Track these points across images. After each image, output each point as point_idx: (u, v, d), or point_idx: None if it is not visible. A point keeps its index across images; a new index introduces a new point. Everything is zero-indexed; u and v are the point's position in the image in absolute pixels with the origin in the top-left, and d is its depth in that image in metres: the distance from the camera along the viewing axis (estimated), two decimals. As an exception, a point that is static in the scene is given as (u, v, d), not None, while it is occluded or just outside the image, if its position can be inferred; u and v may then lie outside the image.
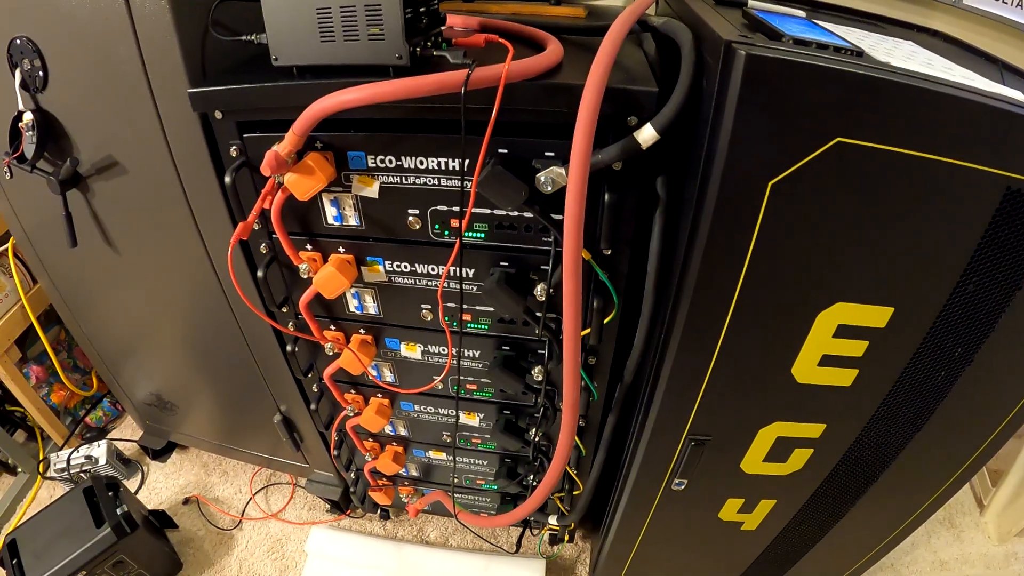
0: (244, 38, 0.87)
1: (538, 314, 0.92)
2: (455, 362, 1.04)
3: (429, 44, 0.81)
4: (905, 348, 0.86)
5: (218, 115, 0.89)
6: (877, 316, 0.82)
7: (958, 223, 0.73)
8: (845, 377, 0.90)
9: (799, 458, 1.04)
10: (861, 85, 0.64)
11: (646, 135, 0.74)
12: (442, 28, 0.85)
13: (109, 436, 1.81)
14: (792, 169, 0.69)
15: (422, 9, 0.80)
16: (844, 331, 0.84)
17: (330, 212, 0.93)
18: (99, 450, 1.66)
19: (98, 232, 1.23)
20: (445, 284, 0.96)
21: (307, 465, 1.55)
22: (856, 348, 0.86)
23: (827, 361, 0.88)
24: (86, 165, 1.09)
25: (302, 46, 0.81)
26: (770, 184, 0.70)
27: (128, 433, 1.79)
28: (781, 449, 1.02)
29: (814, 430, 0.99)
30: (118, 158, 1.08)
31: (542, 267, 0.91)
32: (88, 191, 1.14)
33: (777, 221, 0.72)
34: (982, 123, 0.66)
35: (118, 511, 1.43)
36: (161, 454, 1.75)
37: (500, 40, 0.82)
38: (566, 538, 1.47)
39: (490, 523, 1.22)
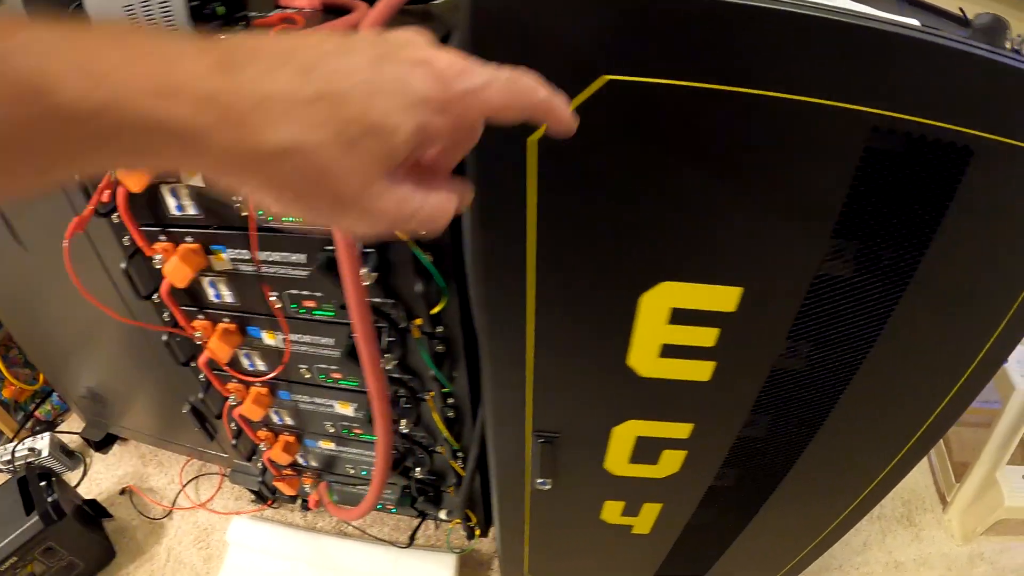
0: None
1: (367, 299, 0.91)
2: (299, 350, 1.03)
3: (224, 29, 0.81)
4: (771, 335, 0.73)
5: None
6: (721, 298, 0.69)
7: (811, 179, 0.58)
8: (700, 371, 0.78)
9: (673, 460, 0.94)
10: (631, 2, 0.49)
11: None
12: (247, 13, 0.84)
13: (57, 429, 1.85)
14: None
15: (217, -4, 0.79)
16: (682, 316, 0.71)
17: (171, 203, 0.93)
18: (42, 442, 1.69)
19: (8, 233, 1.25)
20: (285, 271, 0.96)
21: (227, 455, 1.56)
22: (704, 336, 0.74)
23: (671, 352, 0.76)
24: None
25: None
26: (529, 141, 0.57)
27: (76, 426, 1.83)
28: (647, 450, 0.92)
29: (680, 430, 0.88)
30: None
31: (367, 249, 0.90)
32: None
33: (556, 186, 0.60)
34: (831, 46, 0.50)
35: (49, 499, 1.46)
36: (103, 446, 1.78)
37: (296, 18, 0.81)
38: (477, 532, 1.45)
39: (344, 515, 1.20)
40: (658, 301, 0.70)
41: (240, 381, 1.16)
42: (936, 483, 1.88)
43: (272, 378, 1.06)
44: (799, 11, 0.49)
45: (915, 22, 0.53)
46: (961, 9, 0.70)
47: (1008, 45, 0.55)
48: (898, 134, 0.54)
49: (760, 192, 0.59)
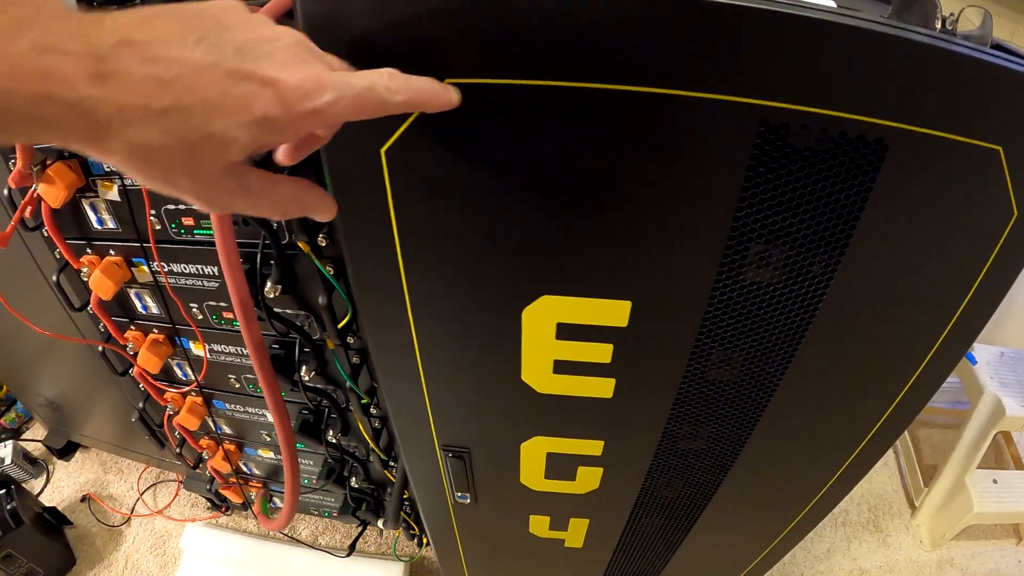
0: None
1: (276, 310, 0.91)
2: (225, 361, 1.04)
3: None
4: (672, 350, 0.68)
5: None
6: (610, 312, 0.64)
7: (697, 182, 0.52)
8: (600, 387, 0.74)
9: (590, 476, 0.91)
10: None
11: None
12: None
13: (22, 437, 1.86)
14: (402, 129, 0.51)
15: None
16: (570, 331, 0.67)
17: (92, 217, 0.94)
18: (5, 450, 1.71)
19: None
20: (200, 283, 0.96)
21: (180, 463, 1.57)
22: (598, 352, 0.69)
23: (566, 368, 0.72)
24: None
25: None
26: (382, 152, 0.53)
27: (39, 434, 1.84)
28: (561, 466, 0.89)
29: (591, 447, 0.85)
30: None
31: (271, 262, 0.90)
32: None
33: (412, 199, 0.56)
34: (706, 31, 0.44)
35: (8, 507, 1.47)
36: (65, 453, 1.80)
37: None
38: (425, 540, 1.45)
39: (269, 525, 1.19)
40: (541, 316, 0.66)
41: (159, 391, 1.16)
42: (904, 487, 1.85)
43: (197, 388, 1.06)
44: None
45: (830, 3, 0.46)
46: None
47: (938, 25, 0.47)
48: (793, 127, 0.48)
49: (640, 196, 0.54)
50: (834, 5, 0.45)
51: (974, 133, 0.49)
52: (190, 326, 1.05)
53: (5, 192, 0.94)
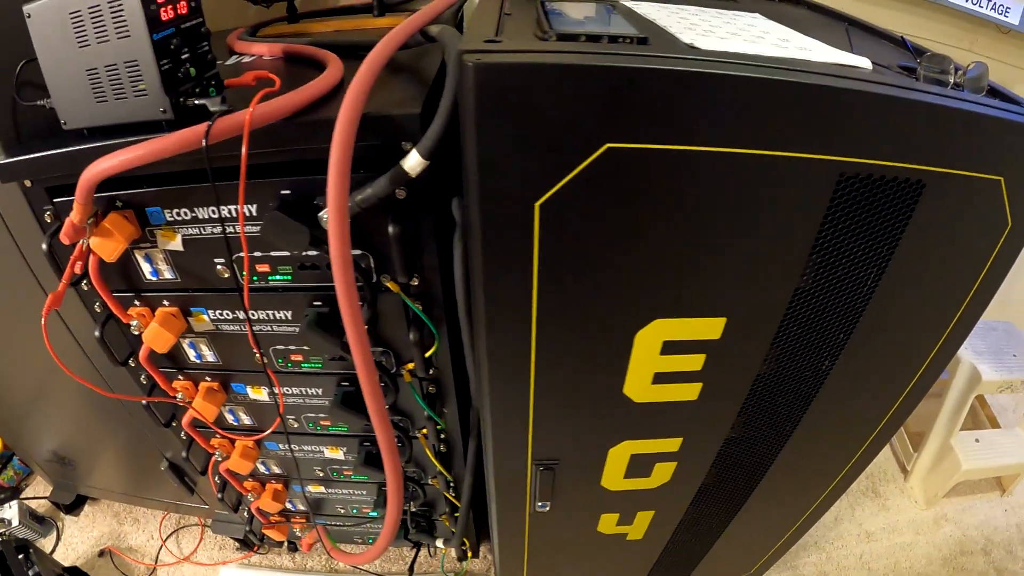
0: (39, 103, 0.83)
1: (358, 350, 0.89)
2: (287, 402, 1.01)
3: (197, 91, 0.78)
4: (752, 353, 0.79)
5: (27, 183, 0.86)
6: (708, 328, 0.74)
7: (784, 220, 0.64)
8: (689, 392, 0.83)
9: (664, 471, 0.98)
10: (625, 80, 0.53)
11: (412, 162, 0.69)
12: (216, 71, 0.82)
13: (23, 495, 1.76)
14: (560, 186, 0.59)
15: (185, 56, 0.77)
16: (673, 347, 0.76)
17: (146, 268, 0.90)
18: (11, 512, 1.61)
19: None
20: (269, 328, 0.93)
21: (207, 506, 1.52)
22: (693, 362, 0.79)
23: (662, 379, 0.80)
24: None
25: (82, 108, 0.78)
26: (537, 205, 0.61)
27: (41, 490, 1.74)
28: (640, 465, 0.96)
29: (671, 444, 0.92)
30: (-41, 231, 1.04)
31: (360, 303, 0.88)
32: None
33: (558, 244, 0.64)
34: (800, 105, 0.56)
35: (30, 573, 1.39)
36: (73, 508, 1.70)
37: (270, 76, 0.79)
38: (470, 554, 1.45)
39: (355, 560, 1.19)
40: (652, 337, 0.74)
41: (227, 439, 1.12)
42: (895, 454, 1.95)
43: (268, 433, 1.03)
44: (774, 76, 0.55)
45: (866, 62, 0.61)
46: (902, 37, 0.77)
47: (951, 80, 0.64)
48: (861, 176, 0.60)
49: (742, 234, 0.65)
50: (868, 64, 0.60)
51: (982, 168, 0.64)
52: (247, 371, 1.02)
53: (44, 247, 0.88)
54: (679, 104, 0.55)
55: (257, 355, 0.89)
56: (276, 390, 1.00)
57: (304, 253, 0.84)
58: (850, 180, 0.60)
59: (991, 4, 1.40)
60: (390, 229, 0.78)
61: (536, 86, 0.54)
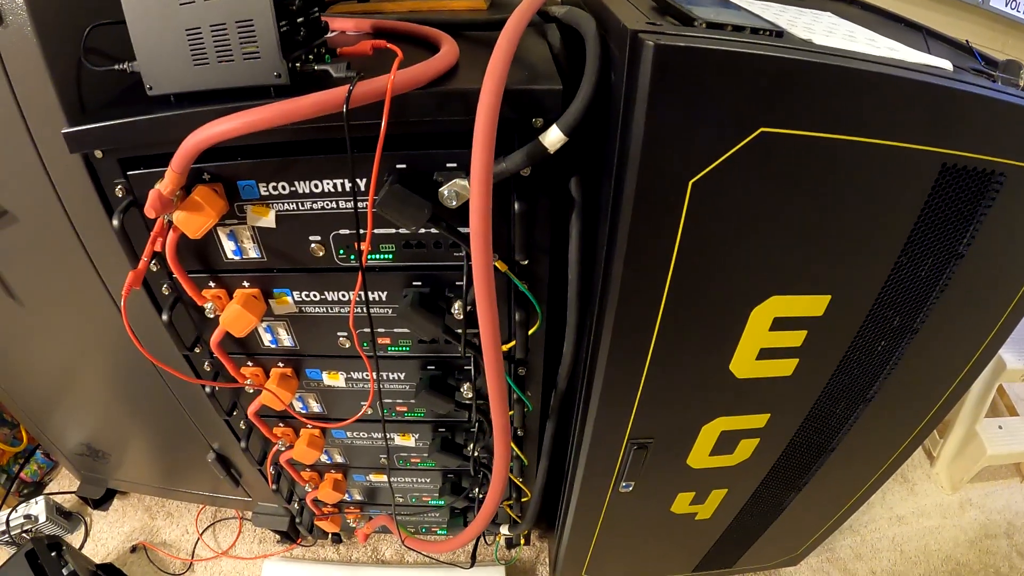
0: (118, 67, 0.76)
1: (459, 331, 0.84)
2: (378, 388, 0.95)
3: (311, 58, 0.72)
4: (846, 331, 0.82)
5: (98, 154, 0.78)
6: (814, 305, 0.77)
7: (893, 205, 0.68)
8: (786, 367, 0.85)
9: (746, 448, 1.00)
10: (784, 70, 0.57)
11: (552, 138, 0.66)
12: (326, 38, 0.76)
13: (47, 490, 1.67)
14: (714, 165, 0.62)
15: (300, 20, 0.71)
16: (781, 323, 0.79)
17: (228, 246, 0.84)
18: (38, 507, 1.52)
19: (-1, 287, 1.10)
20: (358, 309, 0.88)
21: (250, 499, 1.45)
22: (795, 338, 0.81)
23: (765, 354, 0.83)
24: (-28, 217, 0.96)
25: (175, 72, 0.71)
26: (691, 183, 0.62)
27: (66, 484, 1.65)
28: (726, 442, 0.97)
29: (759, 420, 0.94)
30: (6, 206, 0.96)
31: (457, 283, 0.83)
32: (-21, 243, 1.01)
33: (702, 221, 0.66)
34: (914, 100, 0.60)
35: (64, 571, 1.31)
36: (102, 502, 1.62)
37: (389, 46, 0.74)
38: (522, 541, 1.40)
39: (440, 548, 1.14)
40: (766, 313, 0.77)
41: (292, 428, 1.06)
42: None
43: (353, 420, 0.97)
44: (905, 75, 0.59)
45: (948, 64, 0.65)
46: (967, 40, 0.86)
47: (1021, 83, 0.70)
48: (959, 167, 0.65)
49: (857, 216, 0.69)
50: (950, 66, 0.65)
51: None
52: (324, 356, 0.96)
53: (115, 223, 0.81)
54: (828, 95, 0.58)
55: (354, 338, 0.83)
56: (370, 375, 0.94)
57: (418, 231, 0.79)
58: (949, 170, 0.65)
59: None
60: (516, 207, 0.73)
61: (707, 69, 0.56)
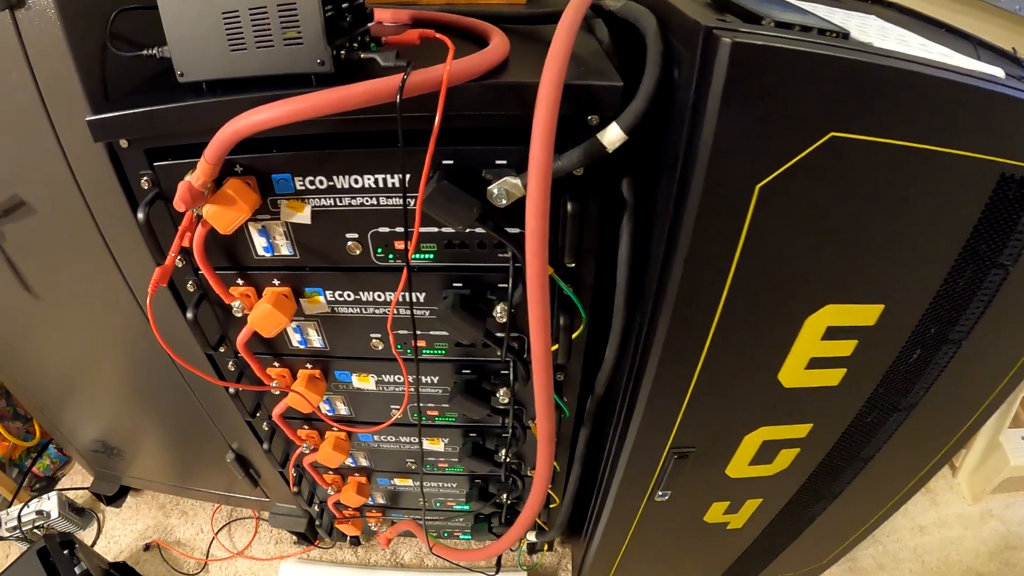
0: (146, 52, 0.70)
1: (499, 335, 0.79)
2: (415, 392, 0.90)
3: (355, 46, 0.67)
4: (895, 341, 0.78)
5: (123, 144, 0.73)
6: (867, 314, 0.74)
7: (951, 213, 0.65)
8: (833, 377, 0.81)
9: (785, 458, 0.96)
10: (858, 73, 0.54)
11: (612, 136, 0.61)
12: (369, 25, 0.71)
13: (59, 485, 1.61)
14: (782, 169, 0.58)
15: (345, 5, 0.65)
16: (833, 333, 0.75)
17: (259, 243, 0.78)
18: (50, 503, 1.46)
19: (13, 277, 1.05)
20: (396, 311, 0.82)
21: (268, 499, 1.40)
22: (845, 348, 0.77)
23: (815, 364, 0.79)
24: (-9, 207, 0.91)
25: (209, 57, 0.65)
26: (758, 187, 0.59)
27: (79, 480, 1.60)
28: (767, 452, 0.93)
29: (801, 430, 0.90)
30: (25, 197, 0.90)
31: (500, 285, 0.78)
32: (-3, 234, 0.96)
33: (765, 226, 0.62)
34: (976, 108, 0.57)
35: (76, 570, 1.26)
36: (115, 499, 1.57)
37: (437, 35, 0.69)
38: (545, 547, 1.35)
39: (469, 557, 1.09)
40: (819, 322, 0.73)
41: (317, 430, 1.01)
42: (945, 453, 1.94)
43: (387, 424, 0.92)
44: (971, 83, 0.56)
45: (1000, 71, 0.61)
46: (1014, 48, 0.80)
47: None
48: (1017, 177, 0.62)
49: (916, 224, 0.65)
50: (1002, 73, 0.61)
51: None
52: (354, 358, 0.91)
53: (140, 216, 0.76)
54: (899, 101, 0.56)
55: (391, 340, 0.78)
56: (405, 378, 0.89)
57: (464, 230, 0.74)
58: (1008, 180, 0.62)
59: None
60: (569, 207, 0.68)
61: (783, 69, 0.53)
